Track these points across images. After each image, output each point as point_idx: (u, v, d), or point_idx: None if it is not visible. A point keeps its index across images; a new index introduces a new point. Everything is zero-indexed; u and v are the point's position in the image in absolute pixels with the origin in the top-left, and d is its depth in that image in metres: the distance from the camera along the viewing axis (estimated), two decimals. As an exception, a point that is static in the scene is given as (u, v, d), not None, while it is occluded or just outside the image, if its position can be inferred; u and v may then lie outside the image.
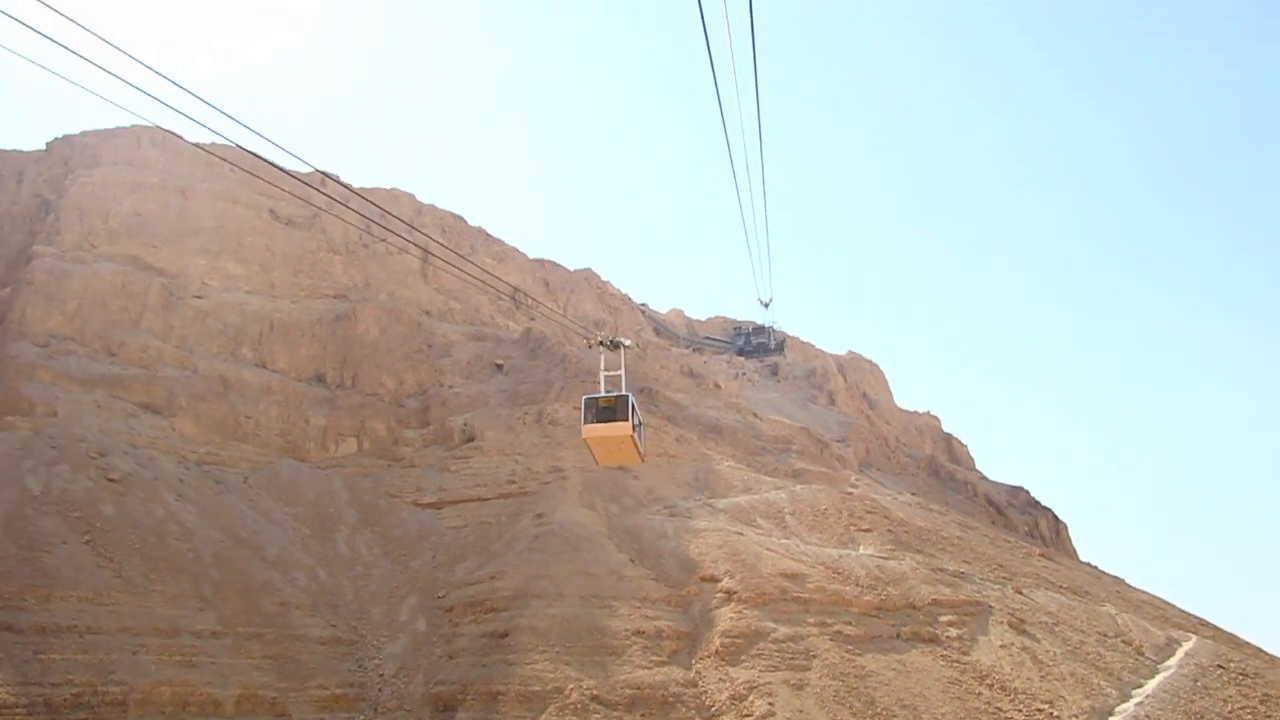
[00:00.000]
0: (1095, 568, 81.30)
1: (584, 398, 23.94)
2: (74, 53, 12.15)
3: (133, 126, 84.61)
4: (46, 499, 49.97)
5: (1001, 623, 51.69)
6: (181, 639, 43.75)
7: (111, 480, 53.84)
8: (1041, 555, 71.53)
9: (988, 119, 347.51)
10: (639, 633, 47.87)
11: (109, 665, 40.05)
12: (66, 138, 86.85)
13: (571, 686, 43.56)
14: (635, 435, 23.44)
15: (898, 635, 49.48)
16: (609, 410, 23.21)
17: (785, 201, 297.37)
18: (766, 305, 62.28)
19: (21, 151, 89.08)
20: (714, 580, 52.78)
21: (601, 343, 23.92)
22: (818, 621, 49.18)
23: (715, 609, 50.38)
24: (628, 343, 24.05)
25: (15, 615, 40.56)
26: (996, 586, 57.32)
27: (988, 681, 46.04)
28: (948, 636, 49.75)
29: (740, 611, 49.26)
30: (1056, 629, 52.61)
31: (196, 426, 65.63)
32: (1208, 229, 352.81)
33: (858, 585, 53.17)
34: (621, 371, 23.60)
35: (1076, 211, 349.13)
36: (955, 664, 47.42)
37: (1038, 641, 50.58)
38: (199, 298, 75.03)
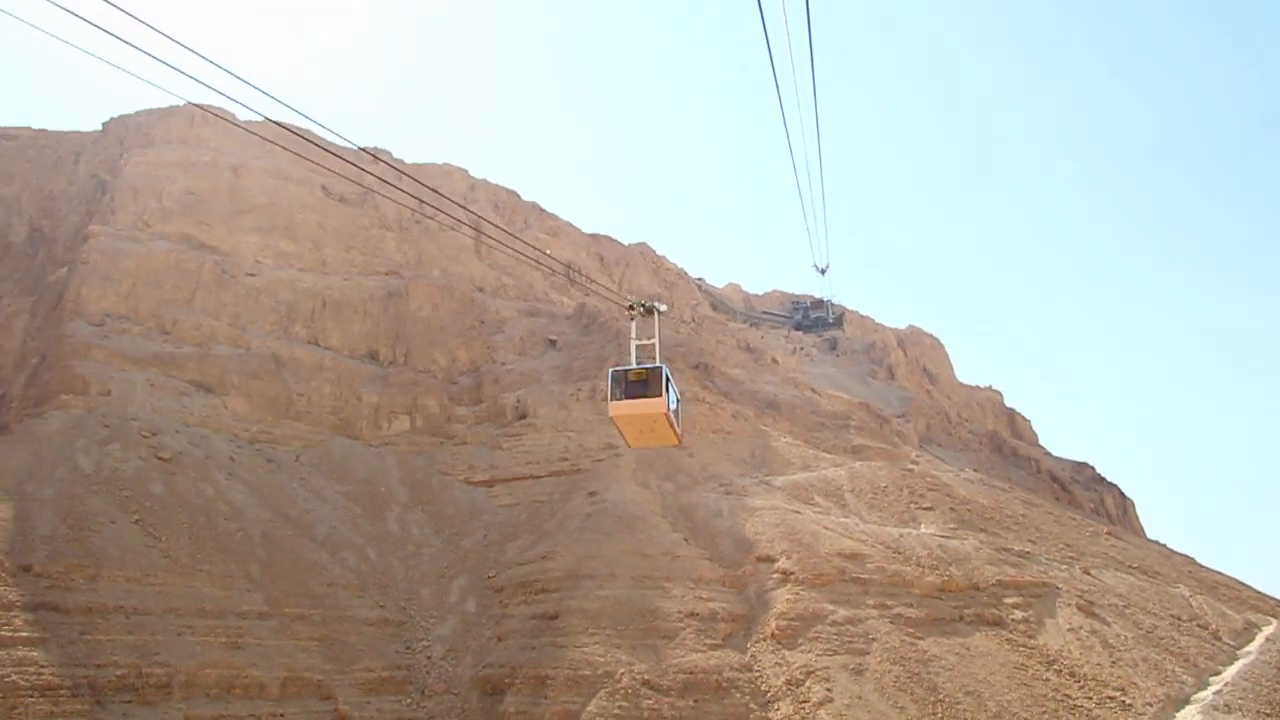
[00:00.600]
0: (1165, 546, 78.58)
1: (610, 370, 20.64)
2: (128, 43, 12.66)
3: (185, 106, 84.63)
4: (97, 478, 49.78)
5: (1069, 605, 49.82)
6: (228, 620, 43.28)
7: (162, 459, 53.65)
8: (1109, 534, 69.10)
9: (1037, 98, 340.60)
10: (692, 615, 46.61)
11: (154, 647, 39.56)
12: (121, 118, 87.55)
13: (622, 670, 42.48)
14: (671, 413, 20.35)
15: (960, 618, 47.81)
16: (640, 384, 20.03)
17: (842, 177, 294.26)
18: (823, 272, 60.82)
19: (79, 132, 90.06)
20: (770, 560, 51.30)
21: (632, 308, 21.00)
22: (877, 603, 47.62)
23: (771, 590, 48.96)
24: (663, 308, 21.11)
25: (62, 595, 40.23)
26: (1063, 566, 55.38)
27: (1055, 667, 44.28)
28: (1013, 619, 48.03)
29: (797, 593, 47.81)
30: (1127, 611, 50.62)
31: (249, 405, 65.40)
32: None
33: (919, 565, 51.49)
34: (655, 340, 20.68)
35: (1141, 192, 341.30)
36: (1021, 648, 45.68)
37: (1108, 625, 48.65)
38: (251, 275, 74.87)
